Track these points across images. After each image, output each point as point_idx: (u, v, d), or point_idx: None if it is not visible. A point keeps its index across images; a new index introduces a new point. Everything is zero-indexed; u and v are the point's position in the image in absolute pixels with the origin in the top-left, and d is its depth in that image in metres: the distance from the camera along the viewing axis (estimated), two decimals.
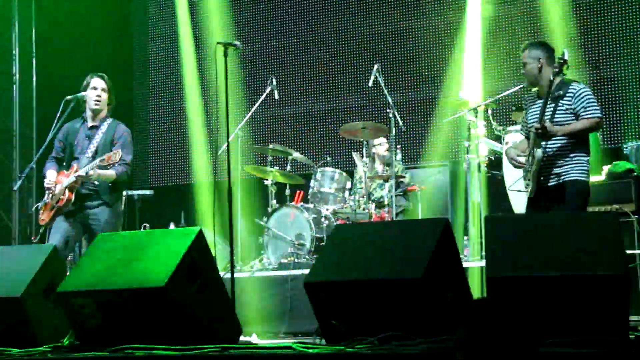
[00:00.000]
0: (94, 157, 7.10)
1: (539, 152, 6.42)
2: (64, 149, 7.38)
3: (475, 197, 9.14)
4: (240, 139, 9.81)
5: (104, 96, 7.33)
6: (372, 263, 4.87)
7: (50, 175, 7.27)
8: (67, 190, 7.04)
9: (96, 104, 7.30)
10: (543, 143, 6.46)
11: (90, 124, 7.33)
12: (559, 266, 4.41)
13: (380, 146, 10.20)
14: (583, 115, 6.40)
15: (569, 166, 6.44)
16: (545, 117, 6.42)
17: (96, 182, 7.11)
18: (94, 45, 12.52)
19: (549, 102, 6.48)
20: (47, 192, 7.24)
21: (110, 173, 7.07)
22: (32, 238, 7.50)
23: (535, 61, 6.61)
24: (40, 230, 7.48)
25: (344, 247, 5.15)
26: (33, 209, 7.45)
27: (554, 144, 6.47)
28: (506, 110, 10.35)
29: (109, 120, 7.36)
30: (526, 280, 4.45)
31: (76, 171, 7.04)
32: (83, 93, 7.33)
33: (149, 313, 4.90)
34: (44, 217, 7.16)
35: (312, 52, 12.13)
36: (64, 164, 7.35)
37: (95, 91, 7.29)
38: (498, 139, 9.30)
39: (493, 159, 9.30)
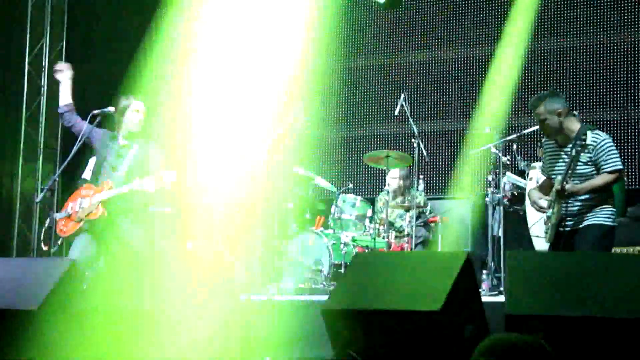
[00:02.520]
0: (128, 174, 7.13)
1: (557, 207, 6.33)
2: (91, 141, 7.39)
3: (496, 232, 9.08)
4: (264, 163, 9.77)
5: (142, 117, 7.45)
6: (391, 293, 4.83)
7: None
8: (100, 205, 7.03)
9: (138, 127, 7.42)
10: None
11: (122, 142, 7.37)
12: (582, 307, 4.35)
13: (393, 180, 10.14)
14: (604, 167, 6.24)
15: (594, 212, 6.31)
16: (563, 172, 6.31)
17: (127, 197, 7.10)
18: (122, 62, 12.56)
19: (569, 153, 6.36)
20: (69, 203, 7.22)
21: (149, 188, 7.06)
22: (44, 247, 7.43)
23: (554, 115, 6.38)
24: (59, 242, 7.43)
25: (363, 276, 5.11)
26: (49, 220, 7.38)
27: (576, 199, 6.36)
28: (531, 145, 10.29)
29: (141, 140, 7.43)
30: (545, 319, 4.39)
31: (110, 187, 7.05)
32: (110, 109, 7.38)
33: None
34: (66, 228, 7.11)
35: (339, 78, 12.11)
36: (90, 176, 7.37)
37: (138, 114, 7.41)
38: (522, 174, 9.24)
39: (516, 194, 9.24)
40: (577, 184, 6.28)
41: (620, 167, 6.31)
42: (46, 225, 7.44)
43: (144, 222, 7.27)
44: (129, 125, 7.34)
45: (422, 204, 9.77)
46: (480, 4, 11.52)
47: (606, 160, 6.26)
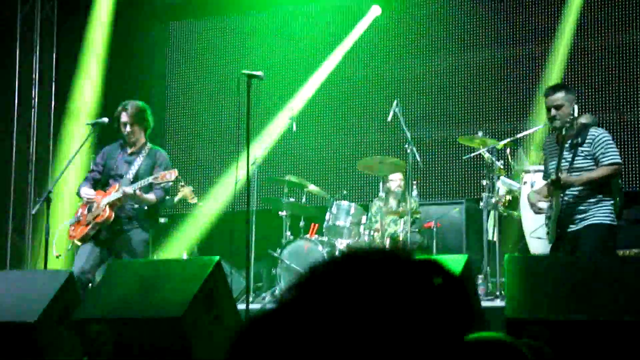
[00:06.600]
0: (134, 181, 7.10)
1: (556, 201, 6.34)
2: (102, 172, 7.37)
3: (491, 236, 9.08)
4: (257, 170, 9.77)
5: (129, 128, 7.30)
6: None
7: (89, 191, 7.24)
8: (108, 207, 6.98)
9: (128, 137, 7.33)
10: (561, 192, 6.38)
11: (129, 150, 7.34)
12: (583, 310, 4.35)
13: (393, 182, 10.11)
14: (602, 160, 6.30)
15: (593, 210, 6.33)
16: (563, 165, 6.33)
17: (135, 206, 7.08)
18: (113, 71, 12.56)
19: (568, 149, 6.39)
20: (79, 210, 7.20)
21: (151, 197, 7.08)
22: (56, 255, 7.38)
23: (570, 104, 6.44)
24: (69, 247, 7.41)
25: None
26: (61, 226, 7.35)
27: (573, 190, 6.37)
28: (525, 149, 10.29)
29: (148, 147, 7.39)
30: (546, 323, 4.39)
31: (118, 190, 7.01)
32: (104, 119, 7.37)
33: (164, 343, 4.86)
34: (75, 233, 7.10)
35: (331, 85, 12.11)
36: (99, 186, 7.35)
37: (123, 127, 7.29)
38: (516, 178, 9.25)
39: (510, 198, 9.23)
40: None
41: (619, 160, 6.34)
42: (57, 233, 7.35)
43: (148, 231, 7.25)
44: (123, 134, 7.32)
45: (415, 210, 9.75)
46: (469, 9, 11.53)
47: (604, 154, 6.31)
